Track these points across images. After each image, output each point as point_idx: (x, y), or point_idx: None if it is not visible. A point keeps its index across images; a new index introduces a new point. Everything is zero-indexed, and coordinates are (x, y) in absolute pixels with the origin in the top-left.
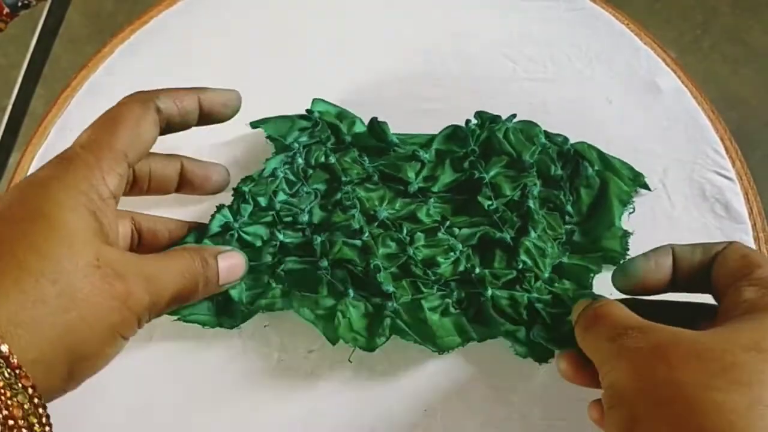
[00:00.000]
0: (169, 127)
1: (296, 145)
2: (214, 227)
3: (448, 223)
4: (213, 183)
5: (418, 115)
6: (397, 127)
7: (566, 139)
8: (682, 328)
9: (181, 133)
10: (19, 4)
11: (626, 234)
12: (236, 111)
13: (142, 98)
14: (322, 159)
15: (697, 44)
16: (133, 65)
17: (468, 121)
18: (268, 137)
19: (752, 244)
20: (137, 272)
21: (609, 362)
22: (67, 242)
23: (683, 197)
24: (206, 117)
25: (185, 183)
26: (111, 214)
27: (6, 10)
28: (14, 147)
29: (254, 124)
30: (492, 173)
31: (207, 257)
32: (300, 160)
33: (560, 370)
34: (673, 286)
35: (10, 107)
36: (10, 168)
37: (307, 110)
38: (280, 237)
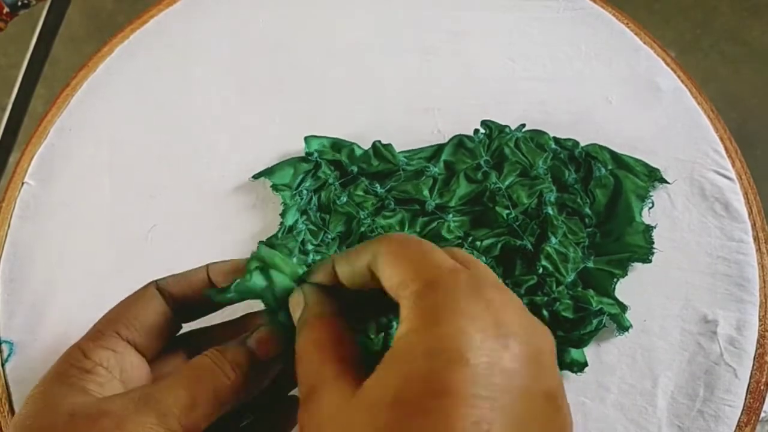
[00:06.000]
0: (182, 306)
1: (305, 192)
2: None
3: (471, 238)
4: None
5: (418, 114)
6: (396, 126)
7: (576, 142)
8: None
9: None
10: (19, 3)
11: (648, 228)
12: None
13: (148, 284)
14: (334, 199)
15: (696, 44)
16: (133, 65)
17: (476, 131)
18: (273, 187)
19: (752, 244)
20: (124, 404)
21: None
22: (41, 420)
23: (683, 197)
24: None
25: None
26: (100, 377)
27: (6, 9)
28: (14, 146)
29: (257, 175)
30: (507, 182)
31: (225, 349)
32: (314, 208)
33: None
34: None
35: (10, 107)
36: (9, 167)
37: (306, 153)
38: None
